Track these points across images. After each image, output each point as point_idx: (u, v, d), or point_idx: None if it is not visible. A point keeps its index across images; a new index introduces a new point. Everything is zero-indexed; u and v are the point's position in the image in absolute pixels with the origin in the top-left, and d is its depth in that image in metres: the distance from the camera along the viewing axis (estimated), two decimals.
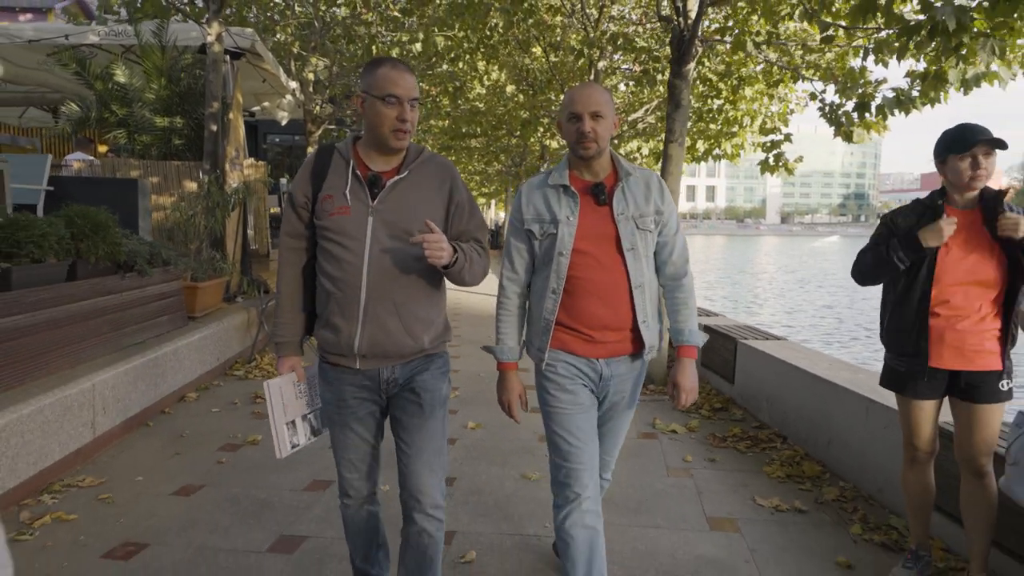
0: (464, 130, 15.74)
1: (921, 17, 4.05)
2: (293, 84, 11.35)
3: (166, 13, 7.47)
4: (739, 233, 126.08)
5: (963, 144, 2.53)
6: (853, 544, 3.09)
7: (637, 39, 9.77)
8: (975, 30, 4.18)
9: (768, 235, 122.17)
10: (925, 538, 2.81)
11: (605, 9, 10.47)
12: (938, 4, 3.82)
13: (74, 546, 2.97)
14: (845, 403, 3.83)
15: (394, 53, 9.09)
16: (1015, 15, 3.81)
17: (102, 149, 9.00)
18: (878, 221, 2.85)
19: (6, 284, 3.59)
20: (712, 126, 10.26)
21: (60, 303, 4.01)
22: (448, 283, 2.20)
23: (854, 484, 3.70)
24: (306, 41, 12.07)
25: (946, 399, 2.68)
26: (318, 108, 12.59)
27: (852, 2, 4.44)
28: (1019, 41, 5.03)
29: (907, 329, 2.65)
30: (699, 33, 5.37)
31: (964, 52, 4.13)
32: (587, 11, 9.97)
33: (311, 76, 12.44)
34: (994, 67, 5.00)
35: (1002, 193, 2.59)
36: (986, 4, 3.79)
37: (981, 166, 2.52)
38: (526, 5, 8.00)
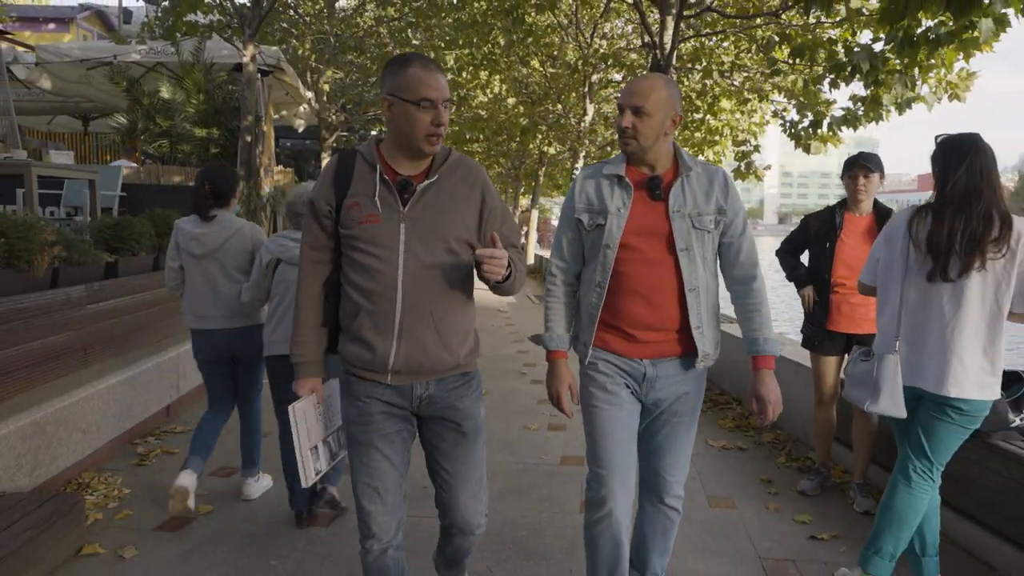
0: (467, 136, 16.74)
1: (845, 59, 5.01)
2: (309, 94, 12.30)
3: (196, 30, 8.44)
4: None
5: (848, 166, 3.55)
6: (777, 469, 4.04)
7: (631, 53, 10.72)
8: (898, 61, 5.15)
9: (765, 235, 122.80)
10: (827, 459, 3.76)
11: (598, 27, 11.45)
12: (856, 50, 4.77)
13: None
14: (782, 368, 4.75)
15: None
16: (917, 56, 4.76)
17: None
18: None
19: (114, 272, 4.53)
20: (696, 134, 11.22)
21: (150, 288, 4.93)
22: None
23: (787, 432, 4.64)
24: (321, 54, 13.02)
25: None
26: (333, 116, 13.53)
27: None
28: (942, 72, 6.03)
29: (815, 303, 3.64)
30: (673, 61, 6.31)
31: (883, 84, 5.09)
32: (580, 27, 10.93)
33: (326, 87, 13.39)
34: (924, 91, 6.03)
35: (889, 211, 3.56)
36: (896, 48, 4.74)
37: (859, 183, 3.51)
38: (526, 26, 8.95)
